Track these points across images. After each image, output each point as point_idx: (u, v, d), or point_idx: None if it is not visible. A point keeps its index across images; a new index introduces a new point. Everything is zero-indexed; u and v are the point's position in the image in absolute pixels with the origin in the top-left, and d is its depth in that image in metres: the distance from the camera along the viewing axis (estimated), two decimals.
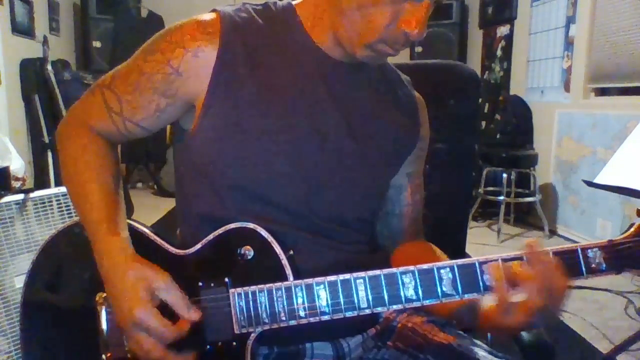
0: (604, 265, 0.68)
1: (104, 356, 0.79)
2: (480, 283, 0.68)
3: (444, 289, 0.68)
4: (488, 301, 0.71)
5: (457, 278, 0.68)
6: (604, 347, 2.22)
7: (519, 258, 0.68)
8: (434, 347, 0.84)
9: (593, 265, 0.68)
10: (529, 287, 0.66)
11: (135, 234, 0.80)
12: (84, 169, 0.81)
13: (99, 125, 0.84)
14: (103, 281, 0.76)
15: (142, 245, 0.78)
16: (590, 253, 0.68)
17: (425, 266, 0.69)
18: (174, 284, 0.73)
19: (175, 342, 0.72)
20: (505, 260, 0.68)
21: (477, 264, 0.68)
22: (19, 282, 1.49)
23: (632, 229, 0.69)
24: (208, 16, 0.81)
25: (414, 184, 0.94)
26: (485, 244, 3.71)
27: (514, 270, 0.67)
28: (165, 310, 0.73)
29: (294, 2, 0.85)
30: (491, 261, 0.68)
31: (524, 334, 0.92)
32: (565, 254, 0.68)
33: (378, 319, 0.92)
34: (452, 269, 0.69)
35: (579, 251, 0.68)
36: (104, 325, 0.79)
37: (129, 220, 0.82)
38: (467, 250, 1.26)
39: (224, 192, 0.80)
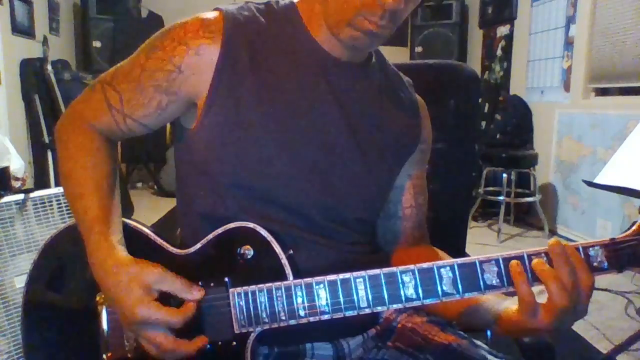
0: (606, 264, 0.67)
1: (104, 356, 0.79)
2: (481, 282, 0.68)
3: (444, 288, 0.68)
4: (510, 303, 0.70)
5: (458, 277, 0.68)
6: (604, 347, 2.22)
7: (538, 255, 0.66)
8: (434, 347, 0.84)
9: (595, 264, 0.67)
10: (552, 285, 0.64)
11: (135, 234, 0.80)
12: (80, 167, 0.81)
13: (99, 122, 0.83)
14: (99, 285, 0.76)
15: (142, 245, 0.78)
16: (591, 252, 0.68)
17: (425, 265, 0.69)
18: (167, 272, 0.73)
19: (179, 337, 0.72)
20: (528, 256, 0.66)
21: (477, 263, 0.68)
22: (19, 282, 1.49)
23: (633, 227, 0.68)
24: (211, 14, 0.81)
25: (416, 185, 0.93)
26: (485, 244, 3.71)
27: (535, 268, 0.65)
28: (167, 300, 0.72)
29: (295, 0, 0.86)
30: (491, 260, 0.68)
31: None
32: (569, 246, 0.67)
33: (378, 320, 0.92)
34: (452, 268, 0.68)
35: (580, 249, 0.67)
36: (105, 325, 0.79)
37: (129, 220, 0.82)
38: (467, 250, 1.26)
39: (224, 190, 0.80)
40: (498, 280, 0.68)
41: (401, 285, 0.69)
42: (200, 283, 0.75)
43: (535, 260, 0.66)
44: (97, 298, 0.80)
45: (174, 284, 0.73)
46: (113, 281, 0.73)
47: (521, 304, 0.66)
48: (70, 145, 0.83)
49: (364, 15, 0.74)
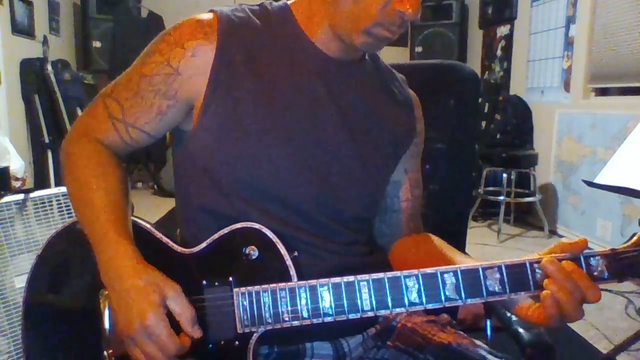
0: (607, 274, 0.68)
1: (105, 353, 0.79)
2: (484, 288, 0.68)
3: (447, 293, 0.68)
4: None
5: (461, 283, 0.68)
6: (604, 347, 2.22)
7: (540, 263, 0.68)
8: (434, 346, 0.84)
9: (595, 273, 0.68)
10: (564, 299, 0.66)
11: (140, 232, 0.80)
12: (89, 176, 0.80)
13: (103, 136, 0.83)
14: (106, 287, 0.75)
15: (146, 243, 0.78)
16: (592, 261, 0.68)
17: (429, 270, 0.69)
18: (183, 295, 0.72)
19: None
20: (530, 264, 0.68)
21: (480, 270, 0.68)
22: (19, 282, 1.49)
23: (634, 238, 0.69)
24: (205, 16, 0.82)
25: (412, 179, 0.94)
26: (485, 244, 3.71)
27: (546, 287, 0.67)
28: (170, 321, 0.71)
29: (289, 2, 0.86)
30: (494, 267, 0.68)
31: (524, 333, 0.92)
32: (568, 261, 0.68)
33: (378, 319, 0.92)
34: (455, 273, 0.68)
35: (582, 259, 0.68)
36: (107, 322, 0.79)
37: (134, 218, 0.82)
38: (467, 250, 1.26)
39: (224, 189, 0.81)
40: (500, 287, 0.68)
41: (404, 290, 0.69)
42: (204, 282, 0.75)
43: (546, 281, 0.67)
44: (100, 294, 0.79)
45: (185, 310, 0.71)
46: (129, 280, 0.71)
47: (546, 311, 0.68)
48: (78, 155, 0.82)
49: (383, 25, 0.75)
